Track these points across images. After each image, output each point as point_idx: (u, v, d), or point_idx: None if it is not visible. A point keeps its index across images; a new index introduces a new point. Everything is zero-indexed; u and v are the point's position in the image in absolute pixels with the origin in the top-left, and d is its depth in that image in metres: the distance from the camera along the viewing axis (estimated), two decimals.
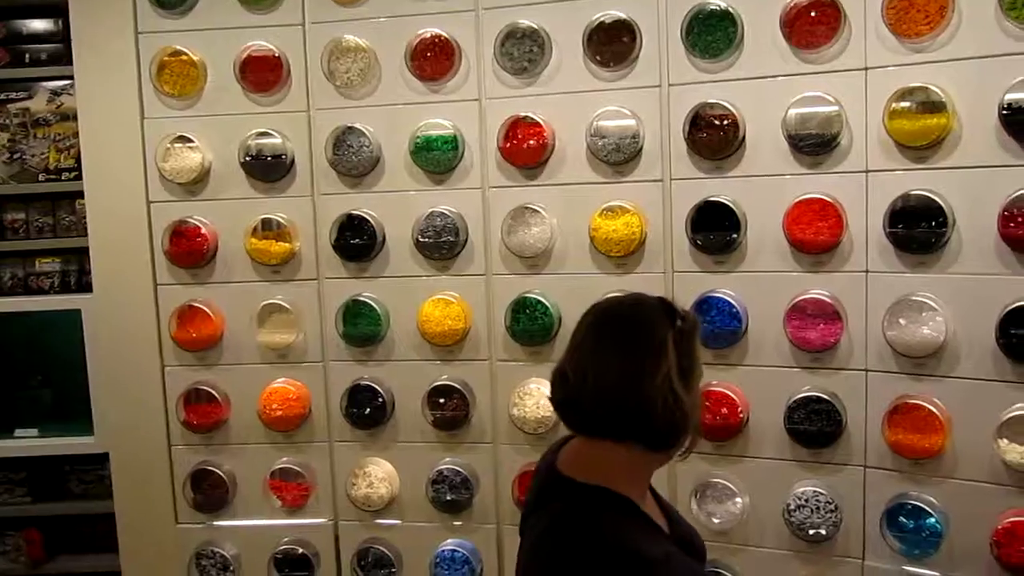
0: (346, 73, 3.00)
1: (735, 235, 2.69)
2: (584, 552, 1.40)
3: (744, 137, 2.69)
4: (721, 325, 2.71)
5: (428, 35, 2.93)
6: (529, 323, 2.93)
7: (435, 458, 3.10)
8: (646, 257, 2.83)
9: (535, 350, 2.96)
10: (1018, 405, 2.42)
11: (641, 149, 2.79)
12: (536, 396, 2.93)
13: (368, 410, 3.10)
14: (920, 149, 2.49)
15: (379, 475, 3.12)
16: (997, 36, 2.37)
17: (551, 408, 2.85)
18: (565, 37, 2.84)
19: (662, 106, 2.78)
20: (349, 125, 3.01)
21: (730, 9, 2.66)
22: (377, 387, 3.09)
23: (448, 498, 3.07)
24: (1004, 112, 2.35)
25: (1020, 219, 2.36)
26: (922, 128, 2.46)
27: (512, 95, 2.91)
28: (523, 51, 2.87)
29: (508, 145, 2.89)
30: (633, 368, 1.42)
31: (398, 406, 3.11)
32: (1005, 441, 2.42)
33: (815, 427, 2.66)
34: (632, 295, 1.60)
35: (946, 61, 2.45)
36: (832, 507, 2.68)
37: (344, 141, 3.01)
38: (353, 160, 3.01)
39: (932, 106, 2.45)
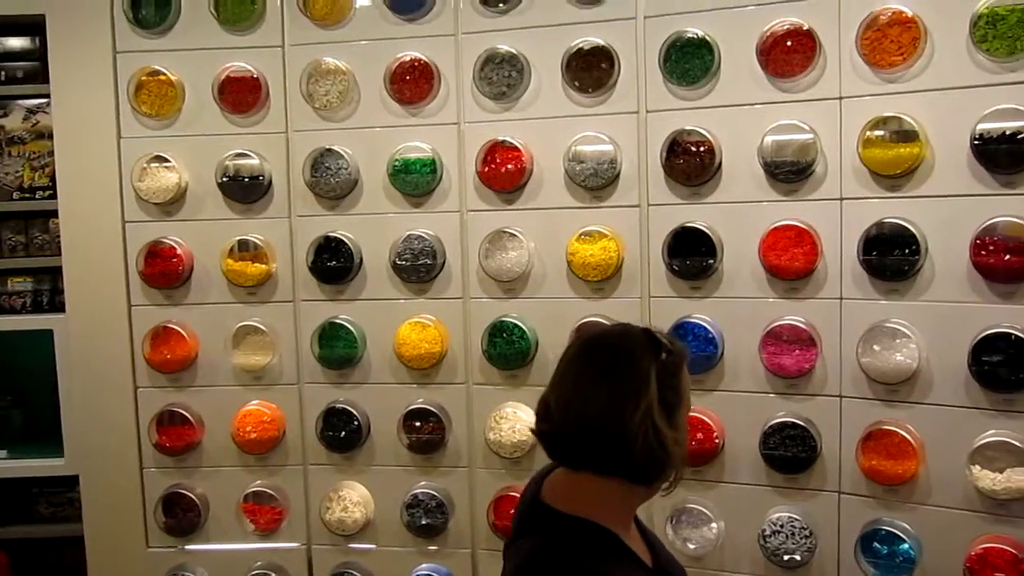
0: (325, 95, 3.00)
1: (711, 261, 2.71)
2: None
3: (720, 164, 2.71)
4: (697, 351, 2.72)
5: (407, 59, 2.94)
6: (506, 347, 2.92)
7: (410, 482, 3.08)
8: (623, 282, 2.84)
9: (512, 374, 2.96)
10: (990, 432, 2.44)
11: (618, 174, 2.81)
12: (512, 420, 2.93)
13: (343, 433, 3.08)
14: (893, 178, 2.52)
15: (353, 499, 3.10)
16: (968, 68, 2.41)
17: (527, 432, 2.88)
18: (544, 62, 2.86)
19: (639, 132, 2.80)
20: (327, 147, 3.00)
21: (707, 37, 2.68)
22: (352, 410, 3.07)
23: (423, 522, 3.05)
24: (976, 142, 2.39)
25: (991, 247, 2.39)
26: (895, 157, 2.49)
27: (491, 119, 2.92)
28: (502, 76, 2.88)
29: (486, 169, 2.90)
30: (613, 402, 1.41)
31: (373, 429, 3.09)
32: (978, 468, 2.44)
33: (790, 453, 2.67)
34: (618, 326, 1.58)
35: (919, 92, 2.48)
36: (807, 533, 2.69)
37: (322, 163, 3.01)
38: (331, 182, 3.01)
39: (905, 135, 2.48)
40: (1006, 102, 2.36)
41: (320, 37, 3.01)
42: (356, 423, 3.06)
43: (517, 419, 2.92)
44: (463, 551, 3.09)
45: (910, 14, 2.45)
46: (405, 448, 3.05)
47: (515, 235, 2.90)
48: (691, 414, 2.61)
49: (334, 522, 3.10)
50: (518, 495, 2.92)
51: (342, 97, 2.99)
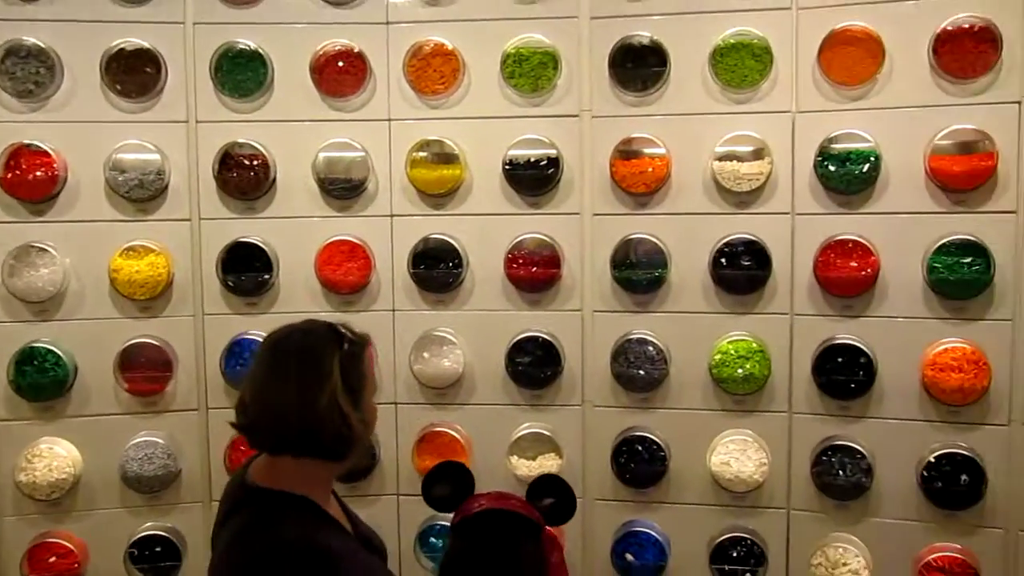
0: None
1: (267, 276, 2.69)
2: (273, 548, 1.47)
3: (275, 178, 2.71)
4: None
5: None
6: (38, 376, 2.63)
7: None
8: (174, 300, 2.72)
9: (47, 406, 2.68)
10: (524, 425, 2.75)
11: (167, 186, 2.68)
12: (48, 458, 2.63)
13: None
14: (438, 196, 2.72)
15: None
16: (499, 100, 2.69)
17: (67, 469, 2.61)
18: (80, 61, 2.64)
19: (189, 143, 2.69)
20: None
21: (260, 50, 2.66)
22: None
23: None
24: (506, 167, 2.67)
25: (521, 261, 2.69)
26: (439, 177, 2.69)
27: (15, 120, 2.63)
28: (28, 71, 2.60)
29: (10, 176, 2.60)
30: (300, 393, 1.52)
31: None
32: (515, 458, 2.73)
33: None
34: (304, 322, 1.64)
35: (459, 118, 2.71)
36: None
37: None
38: None
39: (447, 157, 2.69)
40: (530, 132, 2.68)
41: None
42: None
43: (54, 456, 2.64)
44: None
45: (450, 47, 2.67)
46: None
47: (46, 250, 2.63)
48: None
49: None
50: (59, 541, 2.65)
51: None
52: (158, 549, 2.71)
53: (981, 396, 2.44)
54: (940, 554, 2.48)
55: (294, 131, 2.71)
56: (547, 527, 1.72)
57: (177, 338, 2.71)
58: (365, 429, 1.60)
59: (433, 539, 2.77)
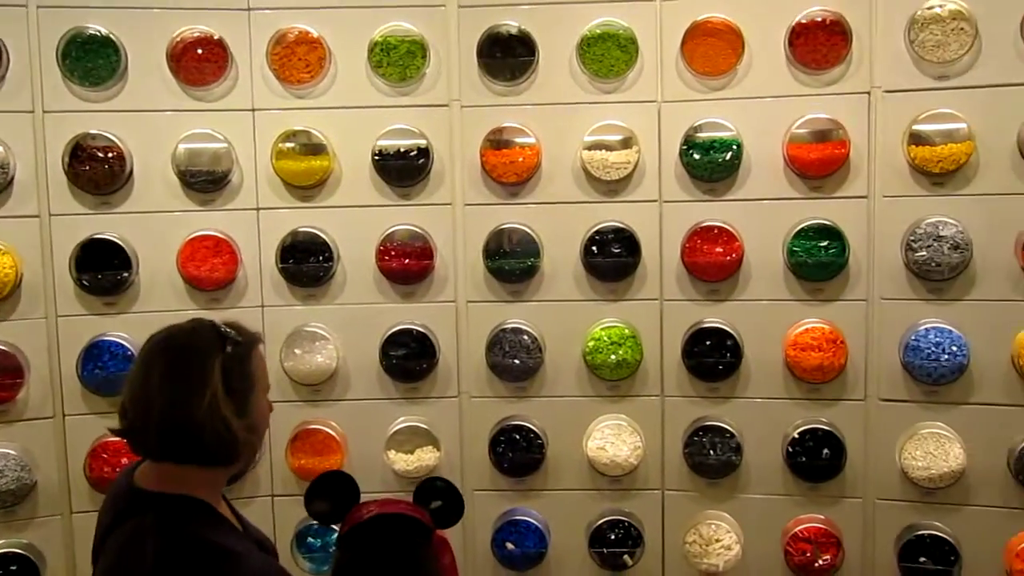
0: None
1: (126, 274, 2.57)
2: (171, 550, 1.43)
3: (132, 171, 2.59)
4: (115, 370, 2.55)
5: None
6: None
7: None
8: (24, 302, 2.58)
9: None
10: (401, 419, 2.72)
11: (12, 181, 2.54)
12: None
13: None
14: (306, 188, 2.65)
15: None
16: (367, 89, 2.64)
17: None
18: None
19: (36, 134, 2.55)
20: None
21: (111, 36, 2.54)
22: None
23: None
24: (376, 158, 2.63)
25: (393, 252, 2.65)
26: (307, 169, 2.62)
27: None
28: None
29: None
30: (177, 397, 1.46)
31: None
32: (393, 452, 2.70)
33: None
34: (188, 323, 1.57)
35: (327, 108, 2.65)
36: None
37: None
38: None
39: (314, 148, 2.63)
40: (400, 122, 2.64)
41: None
42: None
43: None
44: None
45: (315, 35, 2.60)
46: None
47: None
48: None
49: None
50: None
51: None
52: (13, 568, 2.56)
53: (839, 373, 2.56)
54: (805, 525, 2.61)
55: (152, 121, 2.59)
56: (436, 530, 1.70)
57: (28, 342, 2.57)
58: (250, 434, 1.53)
59: (311, 539, 2.72)
